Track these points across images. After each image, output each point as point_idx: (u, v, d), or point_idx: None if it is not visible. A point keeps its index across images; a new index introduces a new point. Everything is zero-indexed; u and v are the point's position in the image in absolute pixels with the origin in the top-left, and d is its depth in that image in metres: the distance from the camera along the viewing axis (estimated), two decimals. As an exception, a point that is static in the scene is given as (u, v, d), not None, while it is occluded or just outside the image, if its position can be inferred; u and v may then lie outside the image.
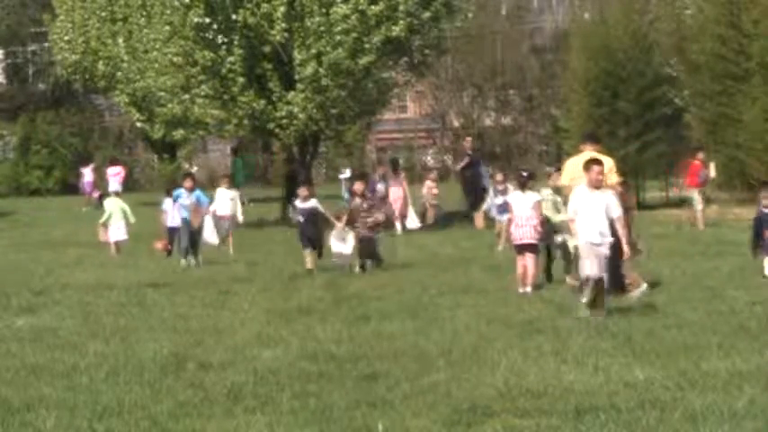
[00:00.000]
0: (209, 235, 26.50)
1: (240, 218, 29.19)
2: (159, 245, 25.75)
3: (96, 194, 44.45)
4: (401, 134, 66.87)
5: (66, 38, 47.92)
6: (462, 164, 34.88)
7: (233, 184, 30.86)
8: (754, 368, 11.00)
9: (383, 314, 15.64)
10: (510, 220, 18.72)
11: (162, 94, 37.87)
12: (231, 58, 32.91)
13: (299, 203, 22.56)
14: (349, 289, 19.01)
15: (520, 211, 18.22)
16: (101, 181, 50.62)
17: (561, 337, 13.17)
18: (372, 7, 32.62)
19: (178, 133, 43.97)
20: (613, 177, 17.20)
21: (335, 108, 34.05)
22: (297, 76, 33.09)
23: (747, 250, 19.42)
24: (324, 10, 32.68)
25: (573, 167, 17.25)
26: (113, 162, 52.21)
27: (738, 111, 35.29)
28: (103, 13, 46.96)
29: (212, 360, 12.37)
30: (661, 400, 9.76)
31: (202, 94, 34.17)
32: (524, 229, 18.10)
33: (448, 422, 9.30)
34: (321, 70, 32.71)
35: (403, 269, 21.82)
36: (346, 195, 26.05)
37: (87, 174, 51.01)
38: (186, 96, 34.90)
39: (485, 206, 29.01)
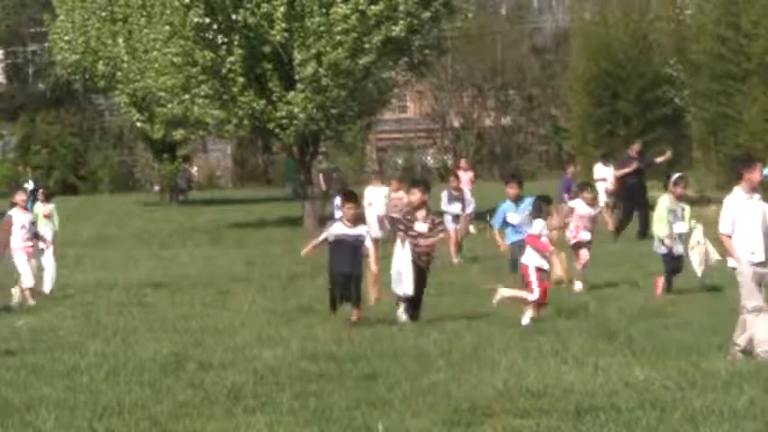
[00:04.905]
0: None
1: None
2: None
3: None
4: (401, 134, 66.91)
5: (66, 38, 47.84)
6: (627, 170, 29.66)
7: (381, 181, 27.22)
8: (754, 368, 10.99)
9: (383, 314, 15.61)
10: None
11: (162, 94, 37.86)
12: (231, 58, 32.90)
13: (339, 227, 15.34)
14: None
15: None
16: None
17: (561, 338, 13.17)
18: (372, 7, 32.62)
19: (178, 133, 43.97)
20: None
21: (335, 108, 34.04)
22: (297, 76, 33.08)
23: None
24: (324, 10, 32.67)
25: None
26: (185, 159, 52.64)
27: (738, 111, 35.31)
28: (103, 13, 46.88)
29: (212, 360, 12.36)
30: (661, 400, 9.76)
31: (202, 94, 34.16)
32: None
33: (448, 422, 9.29)
34: (321, 70, 32.71)
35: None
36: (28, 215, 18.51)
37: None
38: (186, 96, 34.88)
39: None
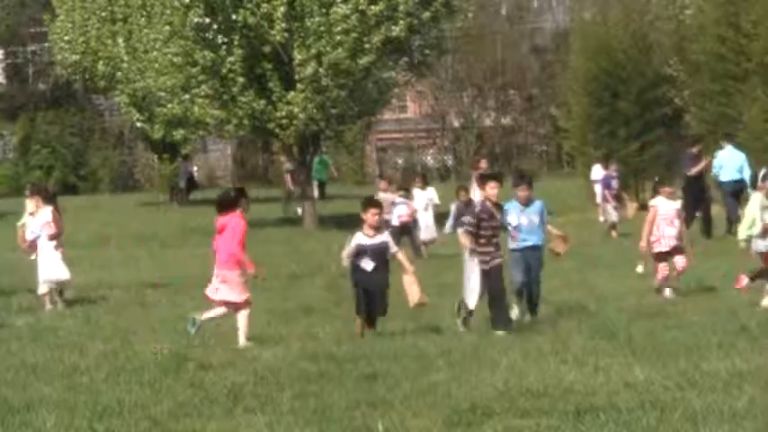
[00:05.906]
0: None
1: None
2: None
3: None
4: (401, 134, 66.87)
5: (66, 38, 47.81)
6: (701, 166, 28.21)
7: (426, 183, 27.81)
8: (754, 368, 10.99)
9: (388, 317, 15.58)
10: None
11: (162, 94, 37.87)
12: (231, 58, 32.92)
13: (359, 237, 14.23)
14: (349, 289, 18.96)
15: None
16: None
17: (561, 338, 13.17)
18: (372, 7, 32.64)
19: (178, 133, 43.96)
20: None
21: (335, 108, 34.07)
22: (297, 76, 33.10)
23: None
24: (324, 10, 32.70)
25: None
26: (185, 158, 52.61)
27: (738, 111, 35.29)
28: (103, 13, 46.87)
29: (212, 360, 12.37)
30: (661, 400, 9.75)
31: (202, 94, 34.18)
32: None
33: (448, 422, 9.30)
34: (321, 70, 32.72)
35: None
36: None
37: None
38: (186, 96, 34.90)
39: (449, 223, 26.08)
